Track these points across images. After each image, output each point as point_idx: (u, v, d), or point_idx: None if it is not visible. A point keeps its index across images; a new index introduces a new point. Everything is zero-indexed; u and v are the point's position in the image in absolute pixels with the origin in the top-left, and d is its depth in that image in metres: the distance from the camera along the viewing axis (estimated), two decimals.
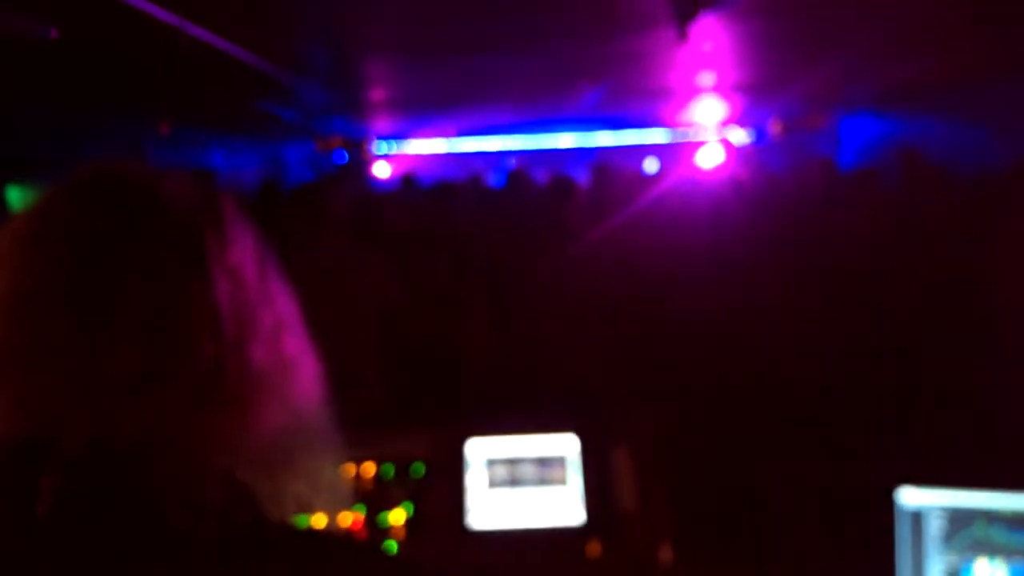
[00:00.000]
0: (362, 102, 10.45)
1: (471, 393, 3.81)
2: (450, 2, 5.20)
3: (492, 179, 8.66)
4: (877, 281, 3.90)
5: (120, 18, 4.75)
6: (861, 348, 3.73)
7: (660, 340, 3.90)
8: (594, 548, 1.92)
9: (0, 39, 4.99)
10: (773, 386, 3.69)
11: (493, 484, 2.00)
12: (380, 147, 14.54)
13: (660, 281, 4.10)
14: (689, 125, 14.03)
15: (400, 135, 14.41)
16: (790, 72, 8.58)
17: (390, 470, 2.01)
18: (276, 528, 0.92)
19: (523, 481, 2.00)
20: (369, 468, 2.01)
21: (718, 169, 10.17)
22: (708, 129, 14.08)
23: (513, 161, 13.38)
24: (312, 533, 0.94)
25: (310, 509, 0.99)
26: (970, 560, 1.54)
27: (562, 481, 2.00)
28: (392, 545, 1.94)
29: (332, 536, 0.95)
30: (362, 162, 13.81)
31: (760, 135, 13.67)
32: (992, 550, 1.53)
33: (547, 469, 2.00)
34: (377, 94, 10.03)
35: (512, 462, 2.01)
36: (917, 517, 1.57)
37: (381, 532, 1.96)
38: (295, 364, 0.97)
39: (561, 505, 1.99)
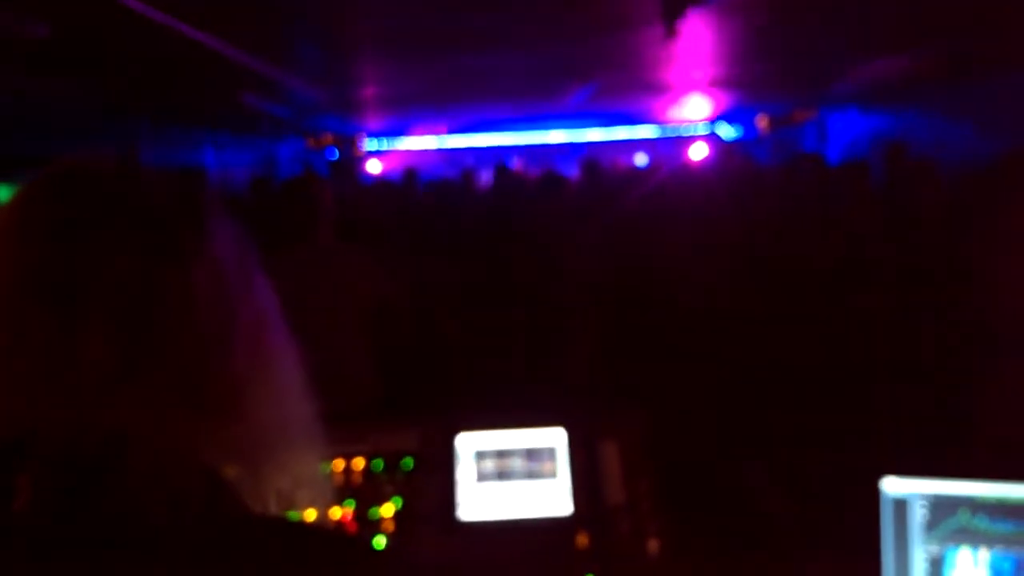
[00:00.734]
0: (353, 99, 10.43)
1: (460, 387, 3.82)
2: None
3: (483, 175, 8.67)
4: (864, 273, 3.92)
5: (110, 16, 4.73)
6: (847, 339, 3.75)
7: (648, 333, 3.92)
8: (582, 539, 1.93)
9: None
10: (759, 377, 3.71)
11: (482, 477, 2.01)
12: (371, 144, 14.53)
13: (648, 275, 4.12)
14: (678, 121, 14.07)
15: (391, 132, 14.40)
16: (777, 68, 8.61)
17: (380, 464, 2.02)
18: (256, 523, 0.91)
19: (512, 474, 2.01)
20: (359, 462, 2.02)
21: (706, 164, 10.18)
22: (696, 125, 14.12)
23: (514, 158, 13.39)
24: (294, 527, 0.93)
25: (292, 504, 0.99)
26: (953, 548, 1.56)
27: (551, 474, 2.01)
28: (382, 539, 1.95)
29: (314, 530, 0.93)
30: (353, 159, 13.80)
31: (748, 130, 13.70)
32: (975, 538, 1.55)
33: (536, 462, 2.02)
34: (368, 91, 10.01)
35: (501, 455, 2.02)
36: (901, 505, 1.58)
37: (371, 526, 1.97)
38: (276, 359, 0.96)
39: (550, 497, 2.00)
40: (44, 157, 0.94)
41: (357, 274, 3.78)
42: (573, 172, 8.08)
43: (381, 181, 9.69)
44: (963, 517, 1.55)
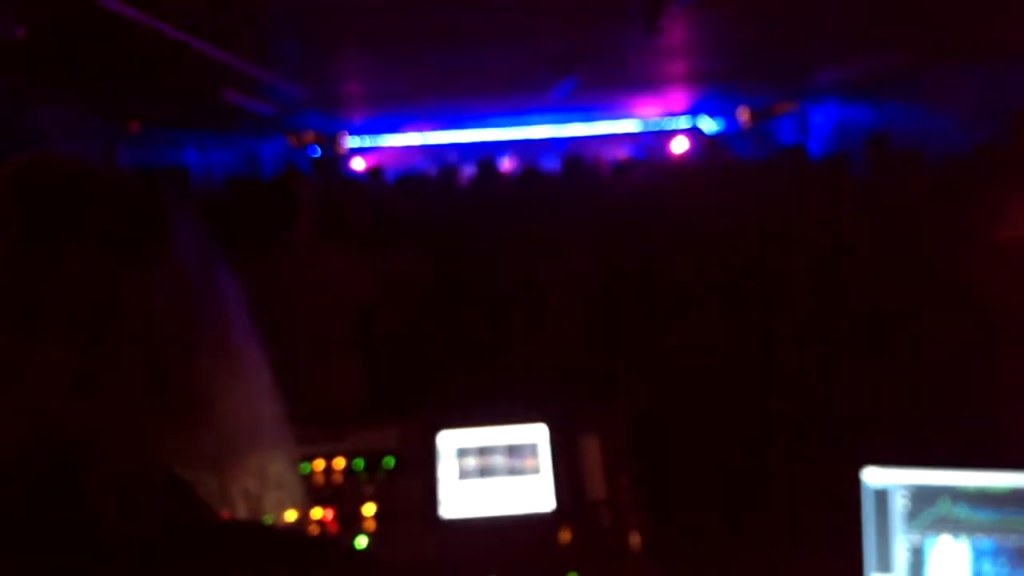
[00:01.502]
0: (335, 96, 10.42)
1: (441, 385, 3.82)
2: None
3: (465, 170, 8.66)
4: (846, 265, 3.93)
5: (89, 16, 4.70)
6: (829, 331, 3.77)
7: (629, 328, 3.93)
8: (565, 534, 1.93)
9: None
10: (741, 372, 3.72)
11: (464, 475, 2.01)
12: (353, 141, 14.51)
13: (630, 269, 4.12)
14: (659, 114, 14.11)
15: (373, 129, 14.39)
16: (758, 61, 8.64)
17: (360, 464, 2.01)
18: (222, 529, 0.89)
19: (494, 471, 2.01)
20: (339, 462, 2.01)
21: (688, 158, 10.21)
22: (678, 118, 14.16)
23: (501, 156, 13.40)
24: (261, 531, 0.91)
25: (263, 507, 0.97)
26: (934, 537, 1.57)
27: (533, 470, 2.01)
28: (364, 539, 1.94)
29: (283, 533, 0.91)
30: (335, 156, 13.77)
31: (729, 124, 13.75)
32: (955, 527, 1.55)
33: (517, 459, 2.01)
34: (350, 88, 10.00)
35: (482, 452, 2.02)
36: (882, 495, 1.59)
37: (353, 526, 1.96)
38: (242, 361, 0.95)
39: (532, 494, 2.00)
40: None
41: (338, 272, 3.77)
42: (555, 166, 8.09)
43: (364, 178, 9.67)
44: (944, 506, 1.56)
